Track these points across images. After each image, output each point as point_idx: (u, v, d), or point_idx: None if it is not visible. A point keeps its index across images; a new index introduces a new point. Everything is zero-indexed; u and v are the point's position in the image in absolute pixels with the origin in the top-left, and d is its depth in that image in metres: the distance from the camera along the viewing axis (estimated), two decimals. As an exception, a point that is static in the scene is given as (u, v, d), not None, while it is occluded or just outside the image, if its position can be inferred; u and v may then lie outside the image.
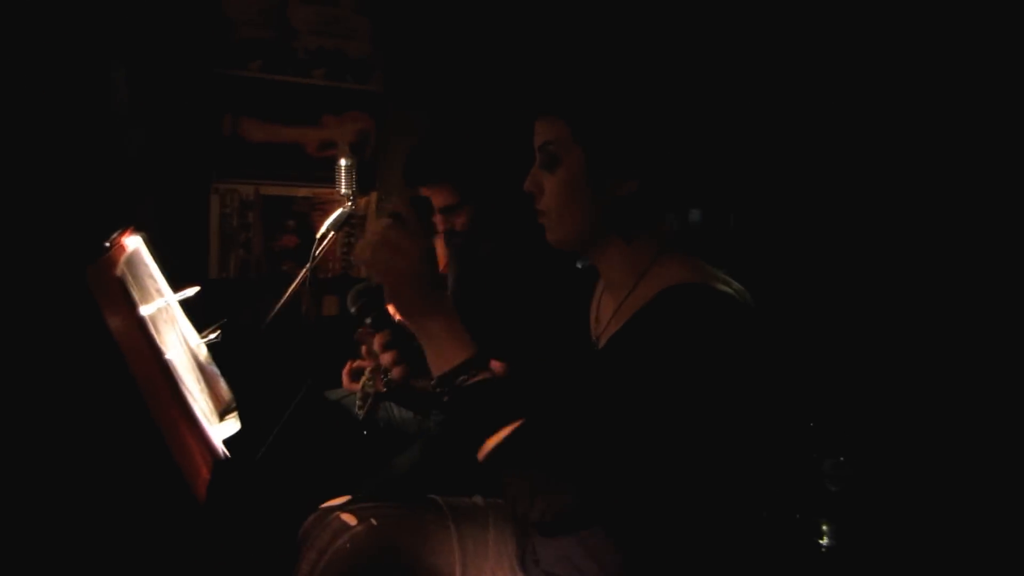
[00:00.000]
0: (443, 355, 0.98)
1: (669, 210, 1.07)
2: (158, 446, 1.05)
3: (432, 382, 0.99)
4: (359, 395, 1.92)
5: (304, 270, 2.08)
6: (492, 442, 0.93)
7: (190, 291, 1.56)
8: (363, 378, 1.96)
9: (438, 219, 2.00)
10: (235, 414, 1.48)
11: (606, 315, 1.11)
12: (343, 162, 2.11)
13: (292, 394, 1.96)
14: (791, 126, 2.45)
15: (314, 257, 2.19)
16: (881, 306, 2.24)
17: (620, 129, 1.00)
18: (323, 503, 1.26)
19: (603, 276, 1.13)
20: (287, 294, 2.24)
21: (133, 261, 1.33)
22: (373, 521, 1.16)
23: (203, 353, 1.51)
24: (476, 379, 0.96)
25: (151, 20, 2.35)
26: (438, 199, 1.96)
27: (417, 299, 0.98)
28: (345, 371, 2.14)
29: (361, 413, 1.89)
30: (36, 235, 1.60)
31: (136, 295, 1.22)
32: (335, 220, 2.24)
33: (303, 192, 2.71)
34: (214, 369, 1.53)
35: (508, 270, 1.85)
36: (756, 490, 1.01)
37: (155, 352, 1.20)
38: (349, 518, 1.16)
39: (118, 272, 1.19)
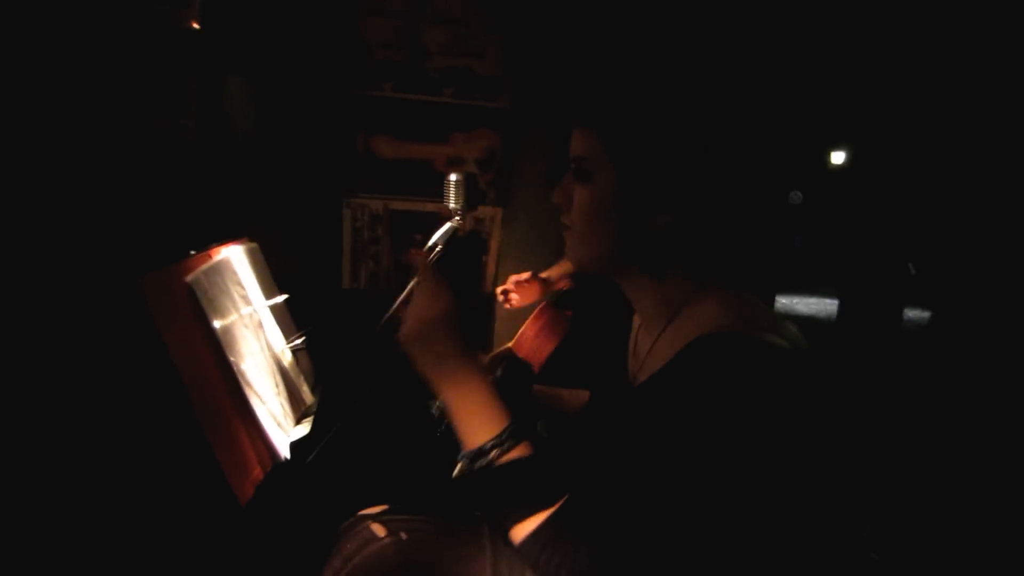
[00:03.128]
0: (471, 428, 0.91)
1: (709, 246, 0.94)
2: (202, 446, 1.10)
3: (461, 458, 0.92)
4: (435, 412, 1.92)
5: (412, 283, 2.11)
6: (525, 528, 0.85)
7: (279, 299, 1.64)
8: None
9: None
10: (311, 419, 1.54)
11: (642, 353, 1.03)
12: (452, 177, 2.15)
13: (387, 403, 2.01)
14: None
15: (421, 270, 2.21)
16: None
17: (659, 151, 0.90)
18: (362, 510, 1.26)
19: (635, 309, 1.04)
20: (394, 305, 2.30)
21: (218, 270, 1.42)
22: (403, 535, 1.14)
23: (287, 359, 1.58)
24: (508, 456, 0.88)
25: (294, 43, 2.53)
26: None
27: (433, 361, 0.93)
28: None
29: (440, 431, 1.89)
30: (155, 245, 1.77)
31: (209, 302, 1.30)
32: (442, 234, 2.26)
33: (430, 207, 2.78)
34: (297, 374, 1.60)
35: None
36: (791, 559, 0.87)
37: (218, 357, 1.27)
38: (379, 528, 1.14)
39: (189, 279, 1.27)
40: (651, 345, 0.98)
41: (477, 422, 0.91)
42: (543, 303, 2.42)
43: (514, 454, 0.88)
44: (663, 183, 0.90)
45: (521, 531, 0.86)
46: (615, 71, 0.98)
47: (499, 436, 0.89)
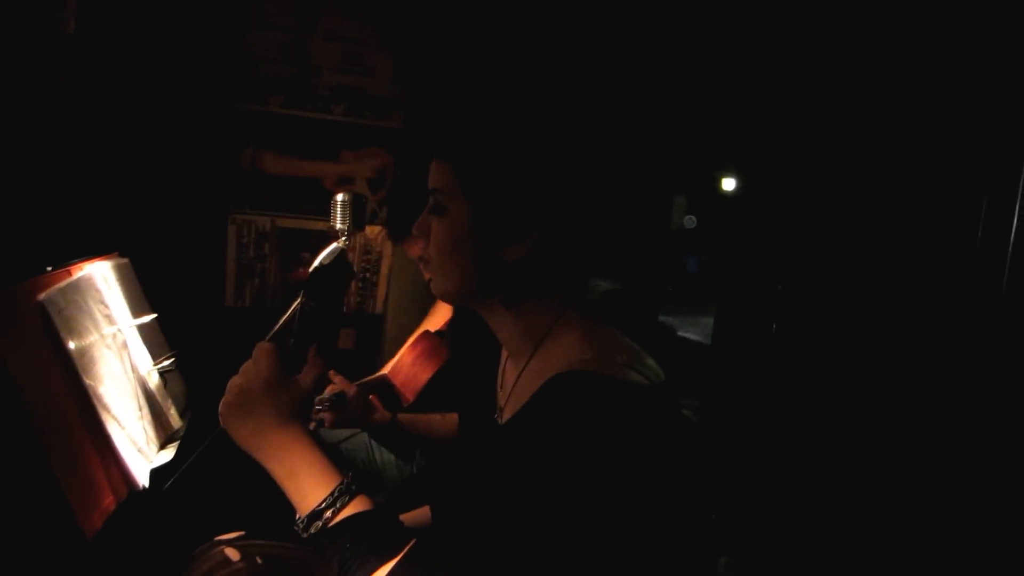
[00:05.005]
0: (301, 493, 0.88)
1: (566, 277, 0.97)
2: (46, 476, 1.04)
3: (296, 524, 0.89)
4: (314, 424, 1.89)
5: (296, 302, 2.07)
6: None
7: (147, 318, 1.58)
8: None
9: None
10: (176, 443, 1.48)
11: (508, 386, 1.03)
12: (339, 197, 2.13)
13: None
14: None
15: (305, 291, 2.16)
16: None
17: (510, 188, 0.91)
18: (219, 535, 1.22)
19: (500, 341, 1.04)
20: (277, 325, 2.24)
21: (78, 287, 1.35)
22: (257, 559, 1.12)
23: (154, 380, 1.51)
24: (341, 514, 0.86)
25: (178, 54, 2.45)
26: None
27: (250, 434, 0.92)
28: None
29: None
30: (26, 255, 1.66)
31: (64, 322, 1.24)
32: (328, 254, 2.21)
33: (319, 226, 2.74)
34: (165, 397, 1.53)
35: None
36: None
37: (71, 380, 1.21)
38: (232, 553, 1.12)
39: (42, 297, 1.20)
40: (516, 378, 0.99)
41: (306, 486, 0.88)
42: (423, 330, 2.40)
43: (350, 510, 0.86)
44: (516, 218, 0.91)
45: None
46: (471, 105, 0.99)
47: (331, 495, 0.87)
